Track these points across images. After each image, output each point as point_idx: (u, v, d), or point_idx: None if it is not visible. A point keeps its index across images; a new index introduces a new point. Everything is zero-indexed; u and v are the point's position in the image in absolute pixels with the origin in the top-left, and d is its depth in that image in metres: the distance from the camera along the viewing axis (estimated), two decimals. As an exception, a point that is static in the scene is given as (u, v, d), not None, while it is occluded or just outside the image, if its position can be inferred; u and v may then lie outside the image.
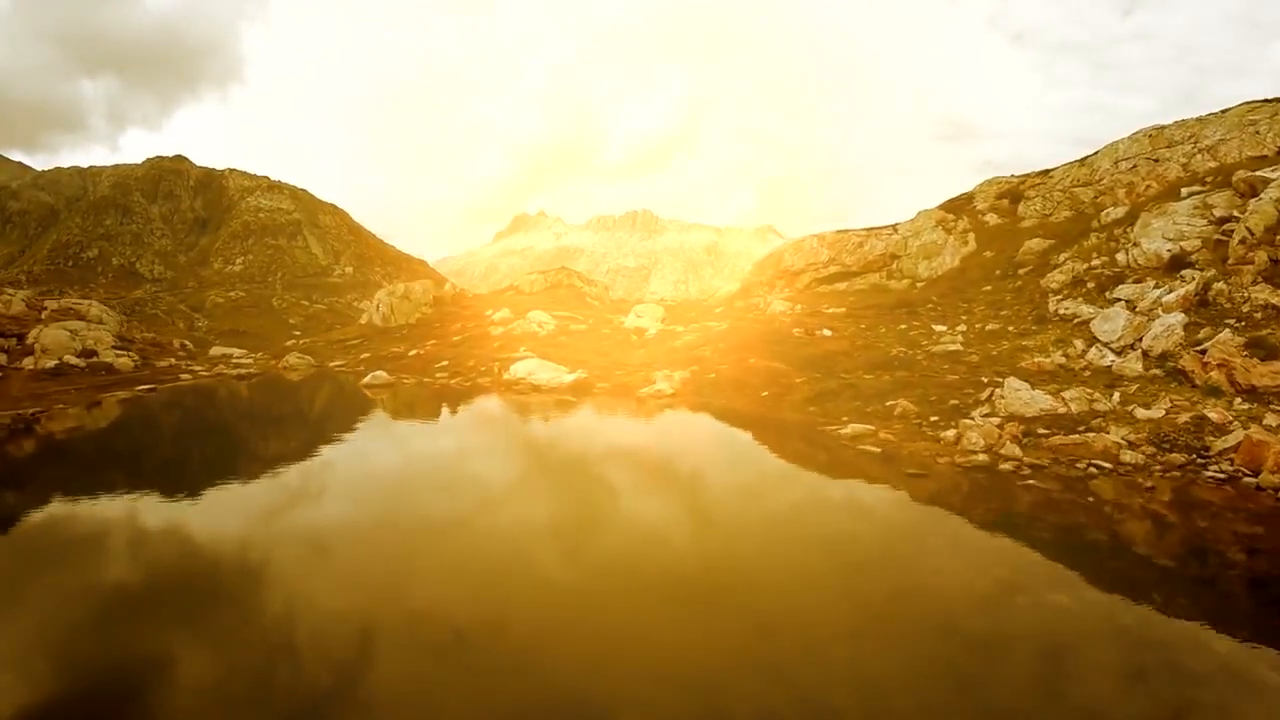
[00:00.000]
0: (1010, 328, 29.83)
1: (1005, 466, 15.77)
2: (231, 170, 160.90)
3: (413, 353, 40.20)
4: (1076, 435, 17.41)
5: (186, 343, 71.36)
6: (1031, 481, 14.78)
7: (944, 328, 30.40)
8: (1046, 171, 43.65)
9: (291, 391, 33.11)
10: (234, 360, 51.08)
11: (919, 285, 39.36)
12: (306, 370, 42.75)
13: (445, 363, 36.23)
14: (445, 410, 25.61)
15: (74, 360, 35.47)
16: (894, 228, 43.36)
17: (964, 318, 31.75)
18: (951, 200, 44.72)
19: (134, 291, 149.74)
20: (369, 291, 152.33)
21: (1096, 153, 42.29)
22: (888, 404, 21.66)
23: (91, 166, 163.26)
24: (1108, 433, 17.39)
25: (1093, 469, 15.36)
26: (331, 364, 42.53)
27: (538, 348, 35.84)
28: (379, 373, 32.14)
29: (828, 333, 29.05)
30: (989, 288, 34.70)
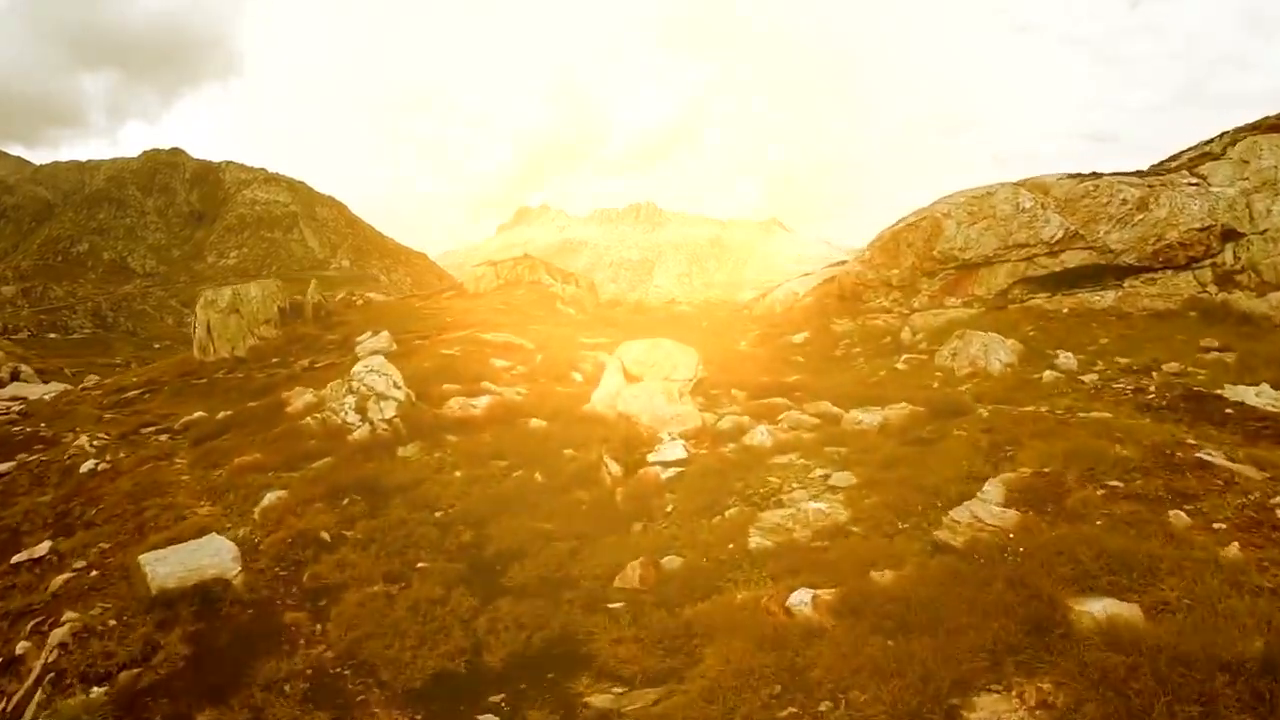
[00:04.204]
0: None
1: None
2: (228, 163, 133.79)
3: (89, 471, 13.82)
4: None
5: (20, 367, 45.15)
6: None
7: None
8: None
9: None
10: None
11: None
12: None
13: (43, 532, 10.06)
14: None
15: None
16: (1195, 174, 16.53)
17: None
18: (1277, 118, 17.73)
19: (124, 286, 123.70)
20: (366, 285, 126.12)
21: None
22: None
23: (90, 160, 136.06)
24: None
25: None
26: None
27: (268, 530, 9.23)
28: None
29: None
30: None
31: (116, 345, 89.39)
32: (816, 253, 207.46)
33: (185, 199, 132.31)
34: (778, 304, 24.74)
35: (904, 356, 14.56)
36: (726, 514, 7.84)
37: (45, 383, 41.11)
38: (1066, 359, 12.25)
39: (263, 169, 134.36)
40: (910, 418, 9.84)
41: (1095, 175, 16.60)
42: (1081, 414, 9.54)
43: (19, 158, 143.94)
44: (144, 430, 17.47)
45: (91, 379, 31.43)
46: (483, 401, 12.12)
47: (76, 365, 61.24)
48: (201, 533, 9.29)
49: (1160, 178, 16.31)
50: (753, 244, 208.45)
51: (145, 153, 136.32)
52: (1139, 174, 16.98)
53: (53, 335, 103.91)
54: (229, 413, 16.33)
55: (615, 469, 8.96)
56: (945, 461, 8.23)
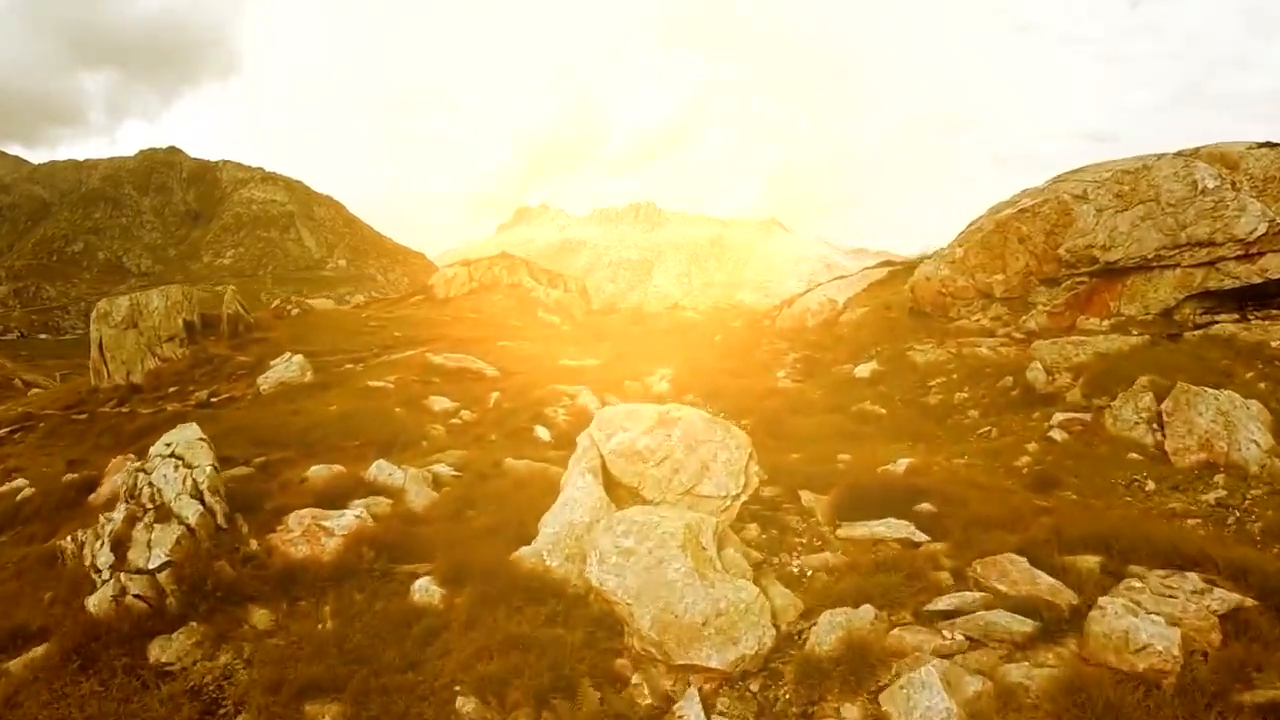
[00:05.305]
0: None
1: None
2: (225, 162, 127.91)
3: None
4: None
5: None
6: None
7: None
8: None
9: None
10: None
11: None
12: None
13: None
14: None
15: None
16: None
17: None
18: None
19: (119, 286, 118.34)
20: (363, 284, 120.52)
21: None
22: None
23: (88, 160, 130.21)
24: None
25: None
26: None
27: None
28: None
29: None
30: None
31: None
32: (816, 252, 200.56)
33: (182, 198, 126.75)
34: (810, 315, 18.97)
35: (1056, 417, 8.77)
36: None
37: (-22, 396, 35.53)
38: None
39: (260, 168, 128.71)
40: (1241, 631, 4.11)
41: (1302, 139, 10.85)
42: None
43: (16, 157, 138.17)
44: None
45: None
46: (345, 521, 6.32)
47: (67, 367, 55.76)
48: None
49: None
50: (752, 244, 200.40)
51: (142, 152, 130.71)
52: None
53: (44, 336, 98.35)
54: (32, 491, 10.56)
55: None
56: None
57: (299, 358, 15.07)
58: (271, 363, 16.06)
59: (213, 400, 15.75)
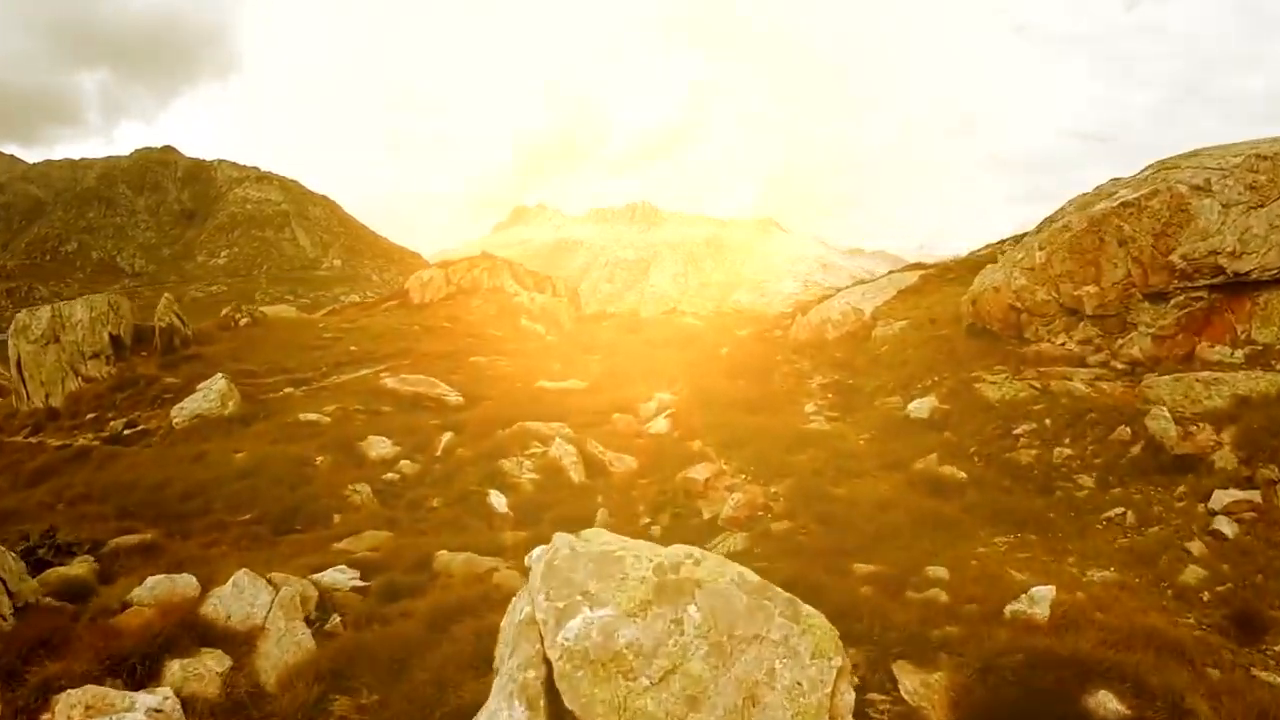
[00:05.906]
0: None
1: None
2: (220, 161, 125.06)
3: None
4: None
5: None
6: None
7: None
8: None
9: None
10: None
11: None
12: None
13: None
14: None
15: None
16: None
17: None
18: None
19: (112, 286, 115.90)
20: (358, 285, 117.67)
21: None
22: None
23: (83, 159, 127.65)
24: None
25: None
26: None
27: None
28: None
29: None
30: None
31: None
32: (813, 252, 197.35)
33: (176, 197, 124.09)
34: (831, 326, 16.22)
35: (1217, 498, 6.07)
36: None
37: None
38: None
39: (255, 167, 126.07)
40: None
41: None
42: None
43: (11, 155, 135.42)
44: None
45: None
46: (122, 728, 3.65)
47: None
48: None
49: None
50: (750, 244, 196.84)
51: (137, 151, 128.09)
52: None
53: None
54: None
55: None
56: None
57: (221, 384, 12.30)
58: (198, 387, 13.29)
59: (127, 432, 13.01)
